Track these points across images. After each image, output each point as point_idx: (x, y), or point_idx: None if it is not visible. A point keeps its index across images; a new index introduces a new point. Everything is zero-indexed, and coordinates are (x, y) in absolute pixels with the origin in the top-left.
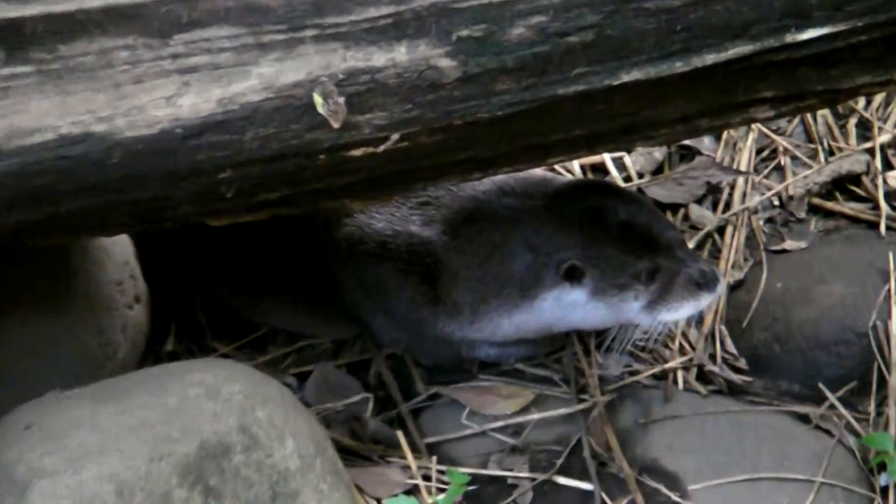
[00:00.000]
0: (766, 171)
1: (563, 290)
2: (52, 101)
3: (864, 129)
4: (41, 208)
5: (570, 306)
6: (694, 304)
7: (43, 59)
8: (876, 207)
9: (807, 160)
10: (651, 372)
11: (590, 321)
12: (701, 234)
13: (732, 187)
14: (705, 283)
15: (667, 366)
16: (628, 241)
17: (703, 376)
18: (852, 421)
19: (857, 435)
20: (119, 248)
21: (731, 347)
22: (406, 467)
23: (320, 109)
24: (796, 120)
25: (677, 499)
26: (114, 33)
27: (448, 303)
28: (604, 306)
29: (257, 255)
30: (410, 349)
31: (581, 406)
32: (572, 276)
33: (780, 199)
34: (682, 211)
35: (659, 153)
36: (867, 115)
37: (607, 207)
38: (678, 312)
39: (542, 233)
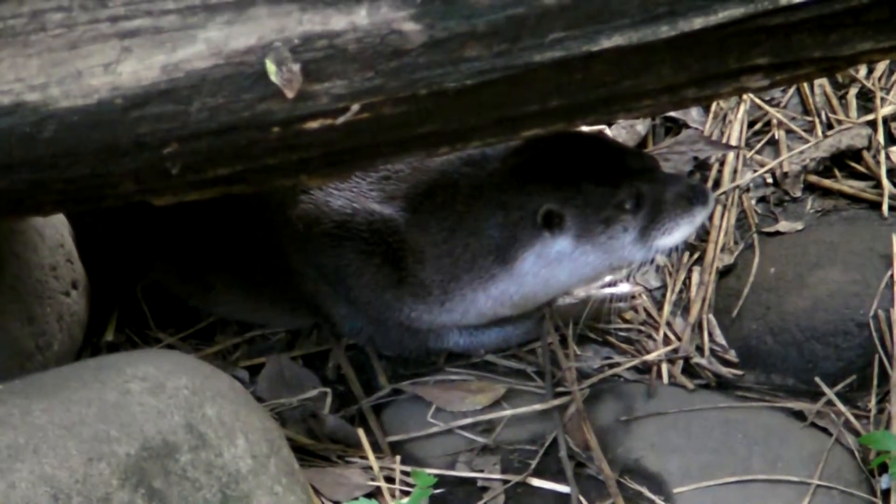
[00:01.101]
0: (758, 146)
1: (545, 242)
2: None
3: (866, 100)
4: None
5: (554, 260)
6: (690, 221)
7: None
8: (878, 185)
9: (803, 134)
10: (633, 364)
11: (577, 273)
12: None
13: (722, 163)
14: (695, 196)
15: (650, 357)
16: (602, 172)
17: (690, 369)
18: (851, 418)
19: (856, 433)
20: (53, 230)
21: (719, 338)
22: (367, 468)
23: (273, 78)
24: (792, 90)
25: (661, 502)
26: None
27: (415, 284)
28: (592, 249)
29: (205, 238)
30: (373, 339)
31: (557, 401)
32: (551, 222)
33: (773, 176)
34: None
35: (642, 126)
36: (869, 84)
37: (570, 147)
38: (675, 234)
39: (510, 187)
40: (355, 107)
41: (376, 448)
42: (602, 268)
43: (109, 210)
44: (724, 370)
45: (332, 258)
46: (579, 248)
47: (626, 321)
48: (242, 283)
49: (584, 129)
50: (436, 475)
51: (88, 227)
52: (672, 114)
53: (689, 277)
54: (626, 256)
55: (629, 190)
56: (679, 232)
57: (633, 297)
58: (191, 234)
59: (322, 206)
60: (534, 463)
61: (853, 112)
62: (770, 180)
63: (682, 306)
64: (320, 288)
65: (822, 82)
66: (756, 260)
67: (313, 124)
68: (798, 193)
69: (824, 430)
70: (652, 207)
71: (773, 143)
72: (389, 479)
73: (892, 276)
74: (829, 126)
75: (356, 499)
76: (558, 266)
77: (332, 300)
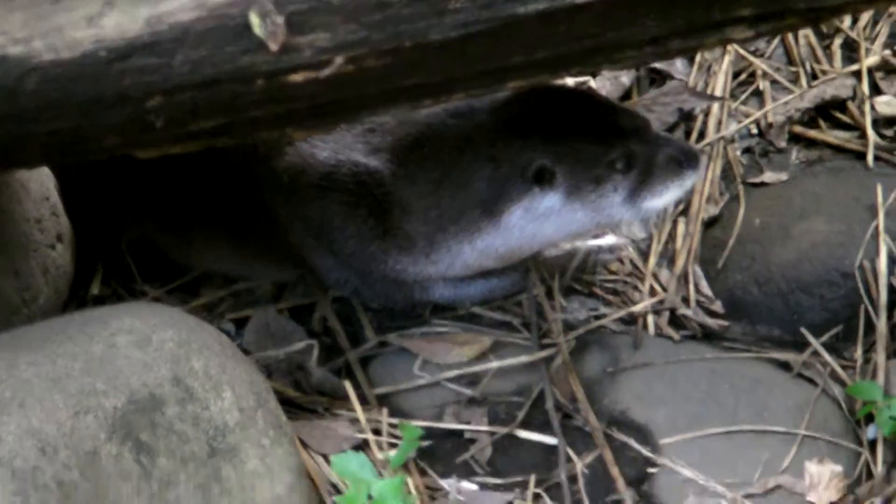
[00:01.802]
0: (743, 97)
1: (533, 197)
2: None
3: (850, 50)
4: None
5: (542, 216)
6: (680, 185)
7: None
8: (863, 136)
9: (788, 84)
10: (619, 315)
11: (564, 229)
12: None
13: (707, 114)
14: (686, 160)
15: (636, 308)
16: (595, 130)
17: (676, 321)
18: (837, 369)
19: (842, 384)
20: (38, 183)
21: (705, 289)
22: (354, 420)
23: (257, 30)
24: (776, 41)
25: (648, 453)
26: None
27: (400, 236)
28: (581, 207)
29: (189, 191)
30: (358, 291)
31: (543, 353)
32: (541, 178)
33: (758, 127)
34: None
35: (626, 77)
36: (853, 35)
37: (563, 103)
38: (664, 196)
39: (500, 141)
40: (339, 60)
41: (363, 400)
42: (589, 225)
43: (93, 163)
44: (711, 321)
45: (317, 210)
46: (568, 204)
47: (611, 272)
48: (227, 236)
49: (570, 80)
50: (423, 427)
51: (73, 181)
52: (656, 65)
53: (674, 228)
54: (614, 215)
55: (621, 150)
56: (669, 194)
57: (619, 248)
58: (174, 188)
59: (307, 158)
60: (521, 415)
61: (838, 62)
62: (755, 131)
63: (668, 257)
64: (305, 240)
65: (806, 33)
66: (741, 211)
67: (297, 77)
68: (783, 144)
69: (810, 380)
70: (643, 168)
71: (758, 93)
72: (377, 432)
73: (877, 226)
74: (814, 76)
75: (344, 451)
76: (545, 221)
77: (317, 252)
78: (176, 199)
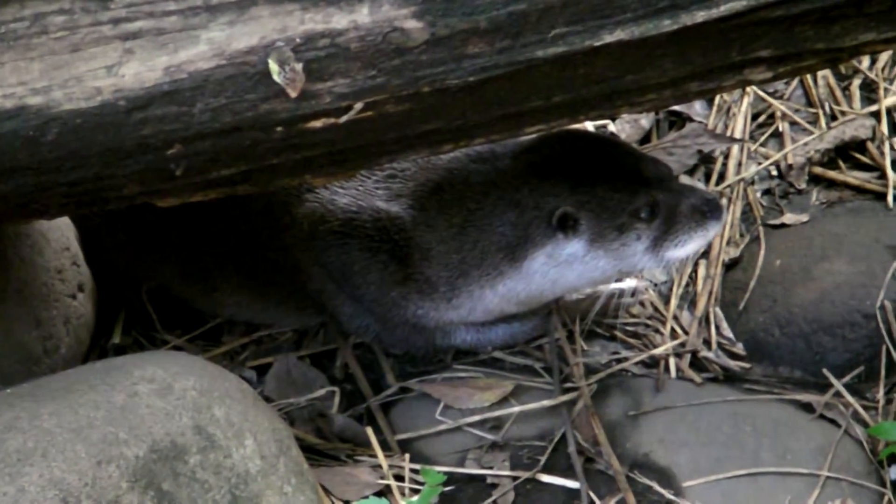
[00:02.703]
0: (762, 139)
1: (557, 243)
2: None
3: (869, 90)
4: None
5: (565, 262)
6: (703, 235)
7: None
8: (882, 176)
9: (807, 126)
10: (641, 358)
11: (586, 276)
12: None
13: (726, 156)
14: (710, 210)
15: (657, 351)
16: (619, 178)
17: (697, 363)
18: (860, 409)
19: (864, 425)
20: (58, 233)
21: (727, 332)
22: (376, 466)
23: (276, 77)
24: (795, 82)
25: (671, 496)
26: None
27: (421, 281)
28: (604, 254)
29: (209, 239)
30: (380, 338)
31: (565, 397)
32: (565, 225)
33: (778, 168)
34: None
35: (646, 120)
36: (872, 75)
37: (587, 150)
38: (687, 246)
39: (525, 186)
40: (358, 105)
41: (385, 446)
42: (611, 272)
43: (112, 213)
44: (732, 363)
45: (338, 256)
46: (591, 251)
47: (633, 316)
48: (248, 284)
49: (589, 125)
50: (445, 473)
51: (93, 231)
52: (676, 107)
53: (695, 271)
54: (636, 264)
55: (645, 198)
56: (692, 244)
57: (640, 292)
58: (195, 236)
59: (327, 205)
60: (543, 459)
61: (857, 103)
62: (775, 172)
63: (689, 300)
64: (326, 286)
65: (825, 74)
66: (762, 252)
67: (316, 123)
68: (803, 185)
69: (833, 421)
70: (666, 217)
71: (778, 135)
72: (399, 478)
73: None
74: (833, 117)
75: (366, 497)
76: (568, 267)
77: (338, 299)
78: (195, 248)
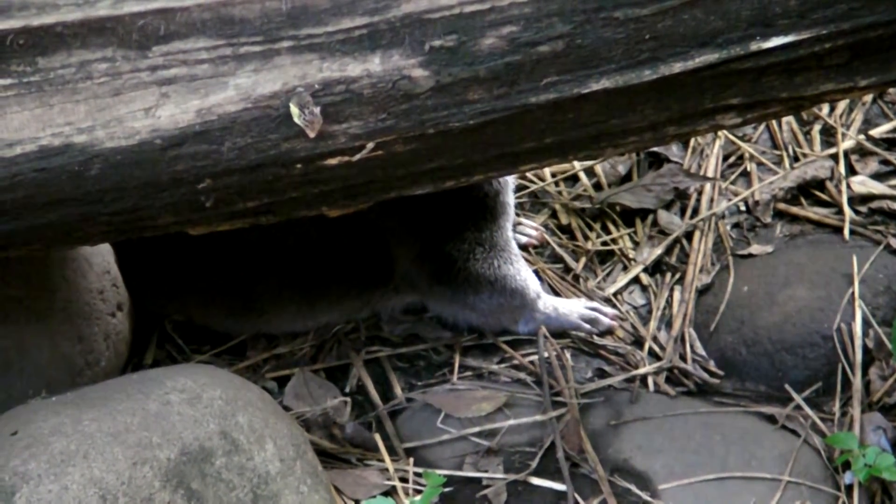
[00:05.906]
0: (732, 177)
1: None
2: (33, 113)
3: (828, 135)
4: (19, 220)
5: None
6: None
7: (23, 71)
8: (840, 212)
9: (772, 166)
10: (624, 377)
11: None
12: (669, 239)
13: (700, 193)
14: None
15: (639, 372)
16: None
17: (672, 378)
18: (818, 421)
19: (822, 435)
20: (100, 258)
21: (700, 350)
22: (384, 469)
23: (296, 119)
24: (762, 127)
25: (648, 498)
26: (93, 46)
27: None
28: None
29: (246, 259)
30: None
31: (554, 413)
32: None
33: (746, 204)
34: (650, 216)
35: (623, 167)
36: (831, 121)
37: None
38: None
39: None
40: (370, 145)
41: (392, 451)
42: None
43: (141, 248)
44: (706, 376)
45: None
46: None
47: (617, 337)
48: (294, 291)
49: (576, 164)
50: (445, 475)
51: (127, 260)
52: (655, 149)
53: (671, 296)
54: None
55: None
56: None
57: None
58: (228, 261)
59: None
60: (533, 464)
61: (817, 146)
62: (743, 208)
63: (666, 321)
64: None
65: (789, 120)
66: (731, 279)
67: (332, 161)
68: (768, 220)
69: (794, 431)
70: None
71: (746, 174)
72: (403, 480)
73: (852, 293)
74: (796, 159)
75: (374, 497)
76: None
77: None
78: (233, 271)
